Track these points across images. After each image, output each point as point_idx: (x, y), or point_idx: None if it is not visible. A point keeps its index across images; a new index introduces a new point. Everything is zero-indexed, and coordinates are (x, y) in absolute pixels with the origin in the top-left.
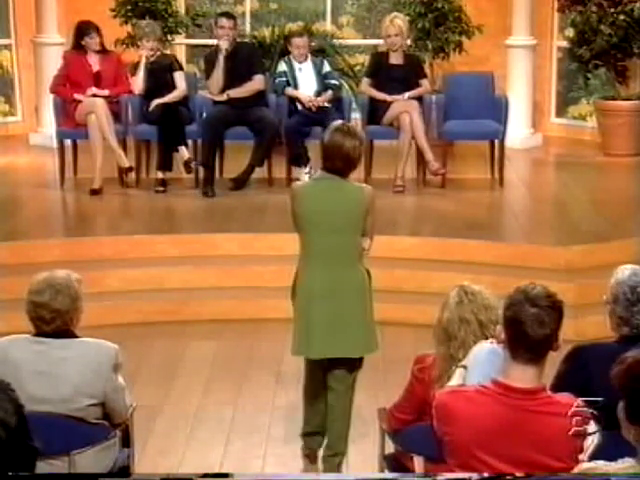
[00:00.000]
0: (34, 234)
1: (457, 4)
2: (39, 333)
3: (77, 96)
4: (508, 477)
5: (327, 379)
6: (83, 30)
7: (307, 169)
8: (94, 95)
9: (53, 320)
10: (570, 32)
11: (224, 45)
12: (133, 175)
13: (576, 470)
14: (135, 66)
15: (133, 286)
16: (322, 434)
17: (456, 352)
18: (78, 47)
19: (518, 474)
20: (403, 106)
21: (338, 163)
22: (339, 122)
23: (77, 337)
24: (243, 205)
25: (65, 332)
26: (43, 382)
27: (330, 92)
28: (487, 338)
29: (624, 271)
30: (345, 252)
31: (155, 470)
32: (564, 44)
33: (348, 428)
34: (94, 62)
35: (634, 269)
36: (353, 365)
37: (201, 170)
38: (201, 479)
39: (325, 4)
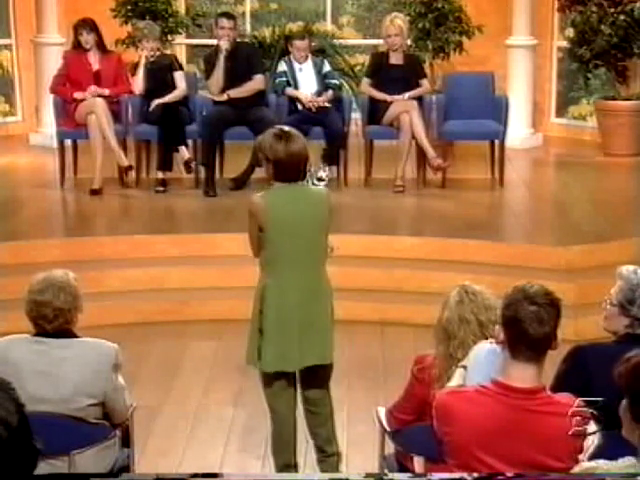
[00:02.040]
0: (34, 234)
1: (457, 4)
2: (39, 333)
3: (77, 95)
4: (500, 477)
5: (303, 389)
6: (77, 27)
7: None
8: (97, 95)
9: (56, 318)
10: (570, 32)
11: (224, 45)
12: (133, 175)
13: (576, 469)
14: (135, 66)
15: (133, 286)
16: (296, 465)
17: (455, 351)
18: (78, 45)
19: (516, 474)
20: (403, 106)
21: (291, 173)
22: (275, 129)
23: (77, 337)
24: (243, 205)
25: (65, 332)
26: (43, 382)
27: (330, 92)
28: (487, 338)
29: (623, 271)
30: (315, 256)
31: (155, 470)
32: (564, 44)
33: (334, 428)
34: (94, 61)
35: (634, 270)
36: (327, 369)
37: (201, 170)
38: (192, 479)
39: (325, 4)
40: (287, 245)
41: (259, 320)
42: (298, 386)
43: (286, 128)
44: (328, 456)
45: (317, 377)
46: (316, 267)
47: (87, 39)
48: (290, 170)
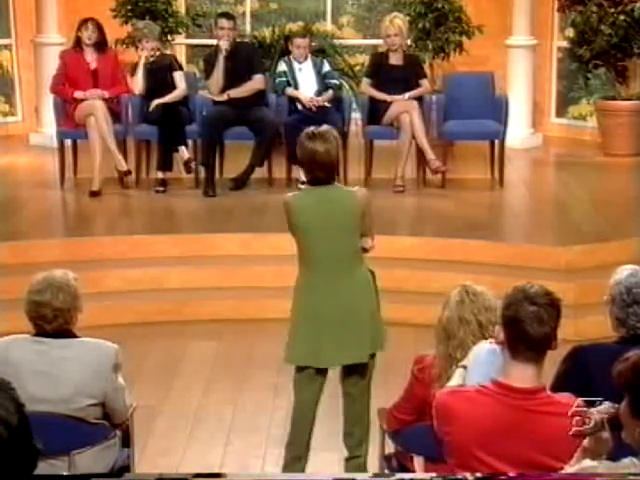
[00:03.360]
0: (34, 234)
1: (457, 4)
2: (39, 333)
3: (77, 94)
4: (502, 477)
5: (342, 385)
6: (81, 23)
7: None
8: (98, 97)
9: (55, 319)
10: (570, 32)
11: (224, 45)
12: (133, 176)
13: (577, 468)
14: (135, 66)
15: (133, 286)
16: (306, 459)
17: (455, 351)
18: (77, 44)
19: (516, 474)
20: (403, 106)
21: (318, 173)
22: (308, 130)
23: (77, 337)
24: (243, 205)
25: (65, 332)
26: (43, 382)
27: (330, 92)
28: (486, 339)
29: (622, 272)
30: (345, 258)
31: (155, 470)
32: (564, 44)
33: (368, 431)
34: (91, 60)
35: (633, 270)
36: (365, 368)
37: (201, 170)
38: (194, 479)
39: (325, 4)
40: (317, 246)
41: (293, 316)
42: (339, 382)
43: (321, 128)
44: (354, 457)
45: (354, 375)
46: (348, 267)
47: (90, 35)
48: (318, 171)
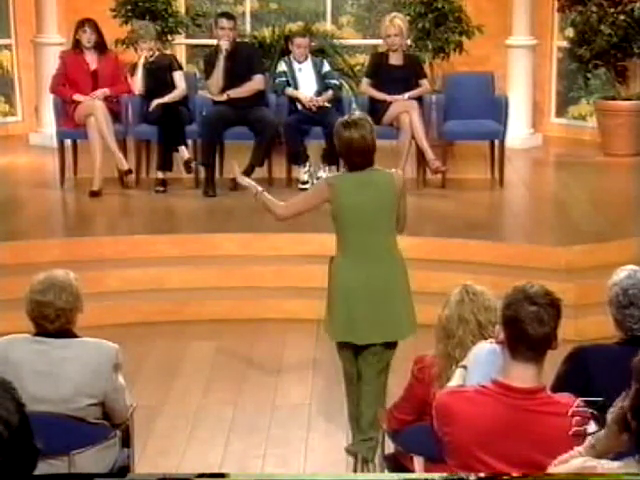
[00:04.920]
0: (34, 234)
1: (457, 4)
2: (40, 333)
3: (77, 97)
4: (505, 477)
5: (359, 366)
6: (78, 25)
7: (306, 168)
8: (100, 97)
9: (57, 318)
10: (570, 32)
11: (224, 45)
12: (133, 176)
13: (577, 468)
14: (134, 66)
15: (133, 286)
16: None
17: (453, 350)
18: (76, 45)
19: (516, 474)
20: (403, 106)
21: (356, 158)
22: (343, 118)
23: (77, 337)
24: (243, 205)
25: (66, 332)
26: (43, 382)
27: (330, 92)
28: (486, 339)
29: (620, 273)
30: (382, 242)
31: (155, 470)
32: (564, 44)
33: (382, 410)
34: (91, 60)
35: (630, 271)
36: (384, 351)
37: (201, 170)
38: (198, 479)
39: (325, 4)
40: (354, 228)
41: (330, 293)
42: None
43: (355, 116)
44: (365, 440)
45: (374, 356)
46: (384, 248)
47: (89, 38)
48: (354, 156)
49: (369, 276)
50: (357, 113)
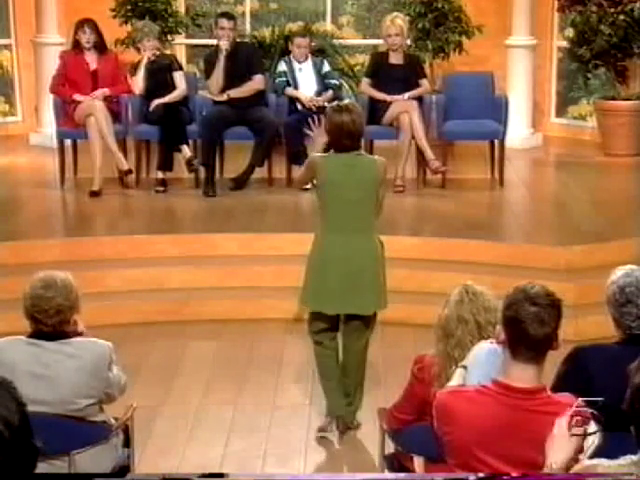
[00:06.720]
0: (34, 234)
1: (457, 4)
2: (35, 333)
3: (77, 97)
4: (505, 477)
5: (344, 339)
6: (78, 26)
7: None
8: (101, 97)
9: (57, 314)
10: (570, 32)
11: (224, 45)
12: (133, 176)
13: (577, 467)
14: (135, 66)
15: (133, 286)
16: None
17: (452, 350)
18: (76, 45)
19: (516, 474)
20: (403, 106)
21: (345, 141)
22: (334, 104)
23: (70, 337)
24: (243, 205)
25: (60, 333)
26: (39, 384)
27: (330, 92)
28: (485, 339)
29: (617, 272)
30: (360, 221)
31: (155, 470)
32: (564, 44)
33: (363, 379)
34: (91, 61)
35: (628, 270)
36: (364, 326)
37: (201, 170)
38: (200, 479)
39: (325, 4)
40: (336, 205)
41: (307, 265)
42: (339, 334)
43: (346, 101)
44: (349, 404)
45: (354, 326)
46: (362, 228)
47: (89, 38)
48: (344, 139)
49: (346, 250)
50: (347, 100)
